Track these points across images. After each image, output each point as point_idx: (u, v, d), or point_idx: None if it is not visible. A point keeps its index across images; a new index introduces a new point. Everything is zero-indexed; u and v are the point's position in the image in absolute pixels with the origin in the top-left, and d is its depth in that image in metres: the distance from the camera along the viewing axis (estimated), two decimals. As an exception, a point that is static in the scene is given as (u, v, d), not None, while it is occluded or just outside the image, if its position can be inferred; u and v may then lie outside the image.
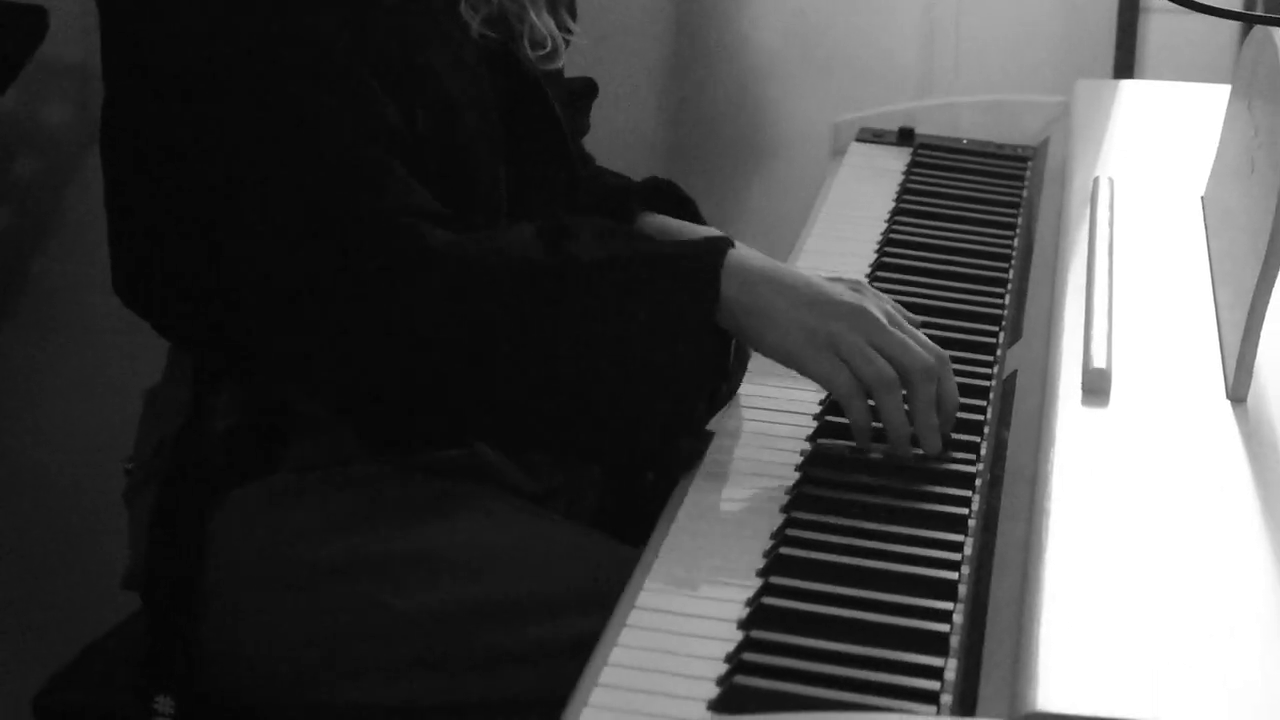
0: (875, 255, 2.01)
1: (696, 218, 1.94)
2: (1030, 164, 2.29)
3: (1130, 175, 2.02)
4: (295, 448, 1.69)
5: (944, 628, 1.36)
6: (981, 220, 2.12)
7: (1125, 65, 3.02)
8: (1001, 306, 1.90)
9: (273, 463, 1.69)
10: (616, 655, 1.33)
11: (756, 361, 1.69)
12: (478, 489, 1.71)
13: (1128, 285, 1.74)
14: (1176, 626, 1.25)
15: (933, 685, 1.29)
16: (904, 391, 1.58)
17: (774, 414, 1.68)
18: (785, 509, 1.52)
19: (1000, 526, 1.47)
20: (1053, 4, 3.05)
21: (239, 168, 1.58)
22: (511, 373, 1.57)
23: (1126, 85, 2.54)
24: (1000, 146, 2.35)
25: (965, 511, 1.52)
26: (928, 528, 1.49)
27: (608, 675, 1.30)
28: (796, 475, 1.57)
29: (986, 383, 1.73)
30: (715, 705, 1.27)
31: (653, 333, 1.56)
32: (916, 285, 1.92)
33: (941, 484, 1.56)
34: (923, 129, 2.37)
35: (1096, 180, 1.98)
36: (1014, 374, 1.72)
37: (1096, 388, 1.56)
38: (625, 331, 1.56)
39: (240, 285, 1.61)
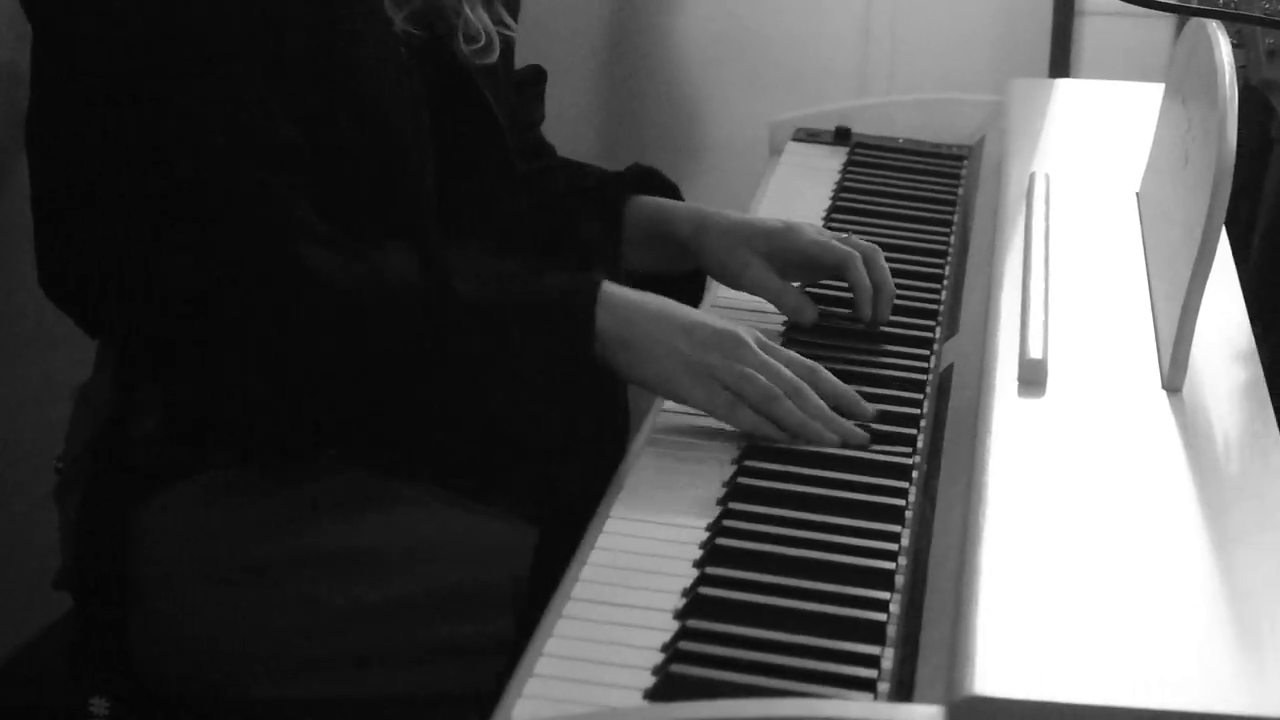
0: (812, 252, 2.00)
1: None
2: (966, 162, 2.29)
3: (1066, 172, 2.03)
4: (222, 447, 1.68)
5: (881, 617, 1.36)
6: (918, 218, 2.12)
7: (1061, 67, 3.03)
8: (938, 301, 1.90)
9: (201, 461, 1.68)
10: (551, 645, 1.32)
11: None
12: (413, 484, 1.70)
13: (1064, 278, 1.74)
14: (1112, 613, 1.25)
15: (870, 673, 1.29)
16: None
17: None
18: (721, 501, 1.52)
19: (937, 517, 1.47)
20: (988, 6, 3.06)
21: (131, 177, 1.58)
22: (382, 398, 1.58)
23: (1062, 84, 2.54)
24: (936, 145, 2.35)
25: (902, 503, 1.52)
26: (864, 518, 1.49)
27: (543, 665, 1.30)
28: (733, 468, 1.57)
29: (923, 376, 1.74)
30: (651, 694, 1.27)
31: (531, 370, 1.59)
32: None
33: (878, 475, 1.56)
34: (859, 128, 2.38)
35: (1033, 176, 1.98)
36: (950, 367, 1.72)
37: (1033, 378, 1.56)
38: (504, 367, 1.58)
39: (136, 288, 1.61)
